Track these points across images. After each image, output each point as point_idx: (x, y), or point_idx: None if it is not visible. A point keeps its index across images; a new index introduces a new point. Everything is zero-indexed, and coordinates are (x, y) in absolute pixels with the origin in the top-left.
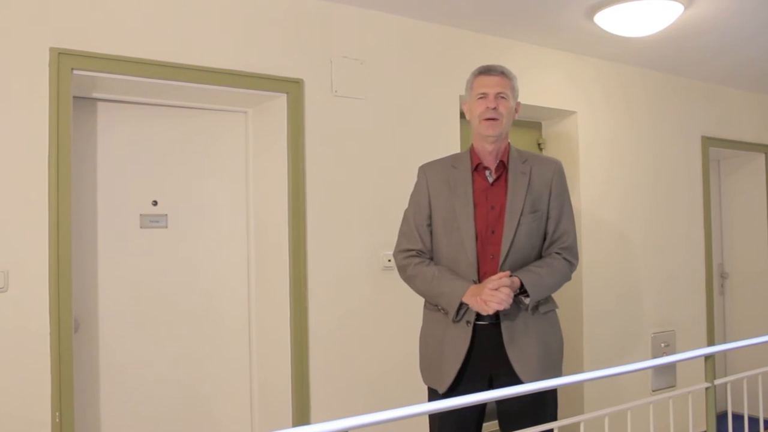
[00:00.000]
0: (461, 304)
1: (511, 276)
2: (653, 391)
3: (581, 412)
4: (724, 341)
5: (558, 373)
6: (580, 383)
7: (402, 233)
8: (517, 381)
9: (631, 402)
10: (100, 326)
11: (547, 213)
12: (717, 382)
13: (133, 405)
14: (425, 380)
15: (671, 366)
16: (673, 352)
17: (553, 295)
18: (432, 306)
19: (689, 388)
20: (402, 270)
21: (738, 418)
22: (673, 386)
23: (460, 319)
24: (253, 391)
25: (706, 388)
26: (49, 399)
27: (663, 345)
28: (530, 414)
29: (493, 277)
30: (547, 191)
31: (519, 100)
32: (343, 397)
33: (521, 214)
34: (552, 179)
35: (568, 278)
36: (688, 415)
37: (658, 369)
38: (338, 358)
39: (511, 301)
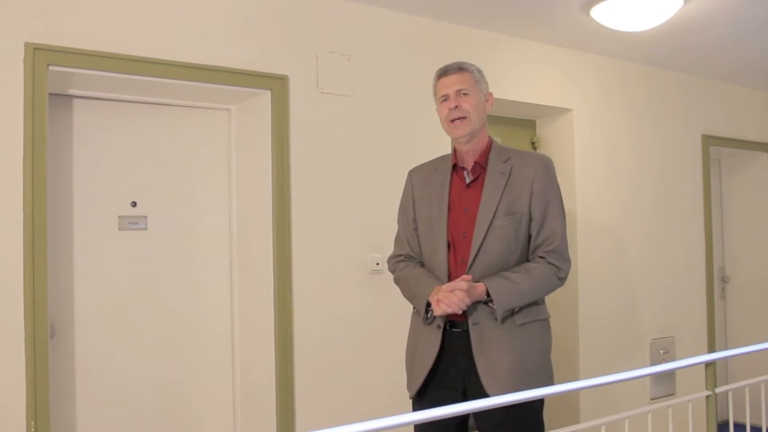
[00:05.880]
0: (428, 305)
1: (478, 281)
2: (652, 399)
3: (577, 422)
4: (726, 348)
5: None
6: (576, 391)
7: (395, 240)
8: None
9: (629, 411)
10: (76, 332)
11: (529, 215)
12: (718, 390)
13: (112, 414)
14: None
15: (670, 373)
16: (673, 359)
17: (546, 303)
18: (415, 309)
19: (689, 397)
20: (392, 275)
21: (740, 427)
22: (672, 394)
23: (431, 322)
24: (236, 398)
25: (707, 397)
26: (24, 408)
27: (662, 352)
28: None
29: (455, 280)
30: (528, 191)
31: (491, 90)
32: (329, 403)
33: (494, 217)
34: (534, 178)
35: (554, 284)
36: (687, 424)
37: (656, 376)
38: (324, 363)
39: (464, 306)
